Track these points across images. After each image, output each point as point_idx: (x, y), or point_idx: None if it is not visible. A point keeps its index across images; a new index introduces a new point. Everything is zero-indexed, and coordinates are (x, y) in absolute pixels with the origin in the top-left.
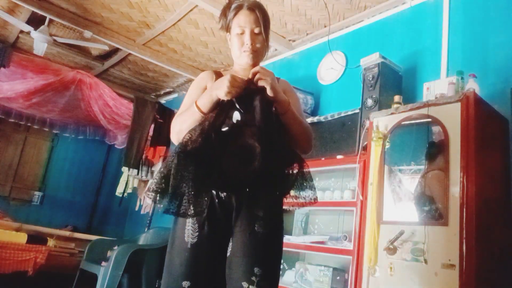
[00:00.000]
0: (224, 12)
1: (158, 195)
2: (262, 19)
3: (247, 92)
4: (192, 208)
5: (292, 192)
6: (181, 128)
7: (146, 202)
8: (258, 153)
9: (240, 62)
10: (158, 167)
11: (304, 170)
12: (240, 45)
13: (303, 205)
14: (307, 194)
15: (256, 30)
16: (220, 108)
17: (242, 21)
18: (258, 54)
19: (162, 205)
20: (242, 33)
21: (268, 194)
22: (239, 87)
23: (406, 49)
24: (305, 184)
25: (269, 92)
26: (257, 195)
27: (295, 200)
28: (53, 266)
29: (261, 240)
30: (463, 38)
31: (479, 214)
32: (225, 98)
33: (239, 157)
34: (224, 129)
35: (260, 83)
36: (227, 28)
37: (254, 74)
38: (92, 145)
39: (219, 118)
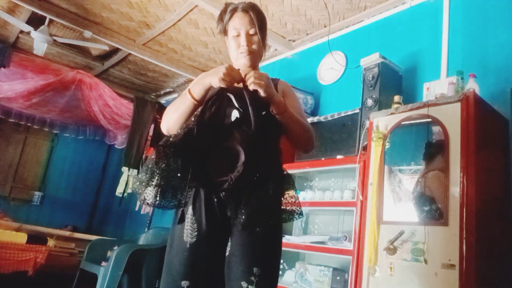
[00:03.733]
0: (221, 16)
1: (139, 186)
2: (257, 20)
3: (245, 90)
4: (168, 200)
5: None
6: (172, 116)
7: (150, 196)
8: (242, 163)
9: (238, 64)
10: None
11: (289, 194)
12: (237, 47)
13: (285, 220)
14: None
15: (251, 31)
16: (211, 102)
17: (237, 23)
18: (254, 55)
19: (140, 195)
20: (238, 35)
21: (247, 205)
22: (234, 77)
23: (406, 49)
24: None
25: (263, 94)
26: (237, 202)
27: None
28: (53, 266)
29: (260, 240)
30: (463, 38)
31: (479, 214)
32: (219, 85)
33: (222, 160)
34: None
35: (253, 87)
36: (224, 32)
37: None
38: (92, 145)
39: (205, 113)
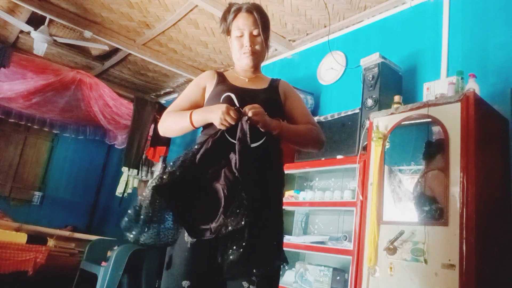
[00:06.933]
0: (224, 16)
1: (129, 222)
2: (261, 21)
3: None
4: (154, 239)
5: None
6: (169, 126)
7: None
8: (221, 213)
9: (240, 64)
10: (158, 167)
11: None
12: (240, 47)
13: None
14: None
15: (255, 32)
16: (210, 144)
17: (241, 24)
18: (257, 55)
19: (130, 233)
20: (241, 36)
21: (228, 252)
22: (231, 122)
23: (406, 49)
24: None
25: (261, 128)
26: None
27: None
28: (53, 266)
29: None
30: (463, 38)
31: (479, 214)
32: (219, 127)
33: (207, 204)
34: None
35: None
36: (227, 31)
37: (245, 113)
38: (92, 145)
39: (200, 149)
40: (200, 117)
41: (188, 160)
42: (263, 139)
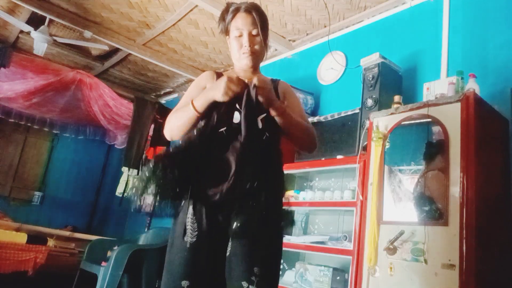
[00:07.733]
0: (223, 16)
1: (135, 193)
2: (259, 20)
3: (245, 95)
4: (162, 208)
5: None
6: (174, 124)
7: (146, 203)
8: (232, 174)
9: (239, 64)
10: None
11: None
12: (239, 47)
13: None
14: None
15: (254, 32)
16: (215, 112)
17: (240, 24)
18: (257, 55)
19: (137, 203)
20: (240, 36)
21: (238, 214)
22: (235, 89)
23: (406, 49)
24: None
25: (263, 101)
26: (229, 210)
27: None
28: (53, 266)
29: (261, 240)
30: (463, 38)
31: (479, 214)
32: (222, 100)
33: (216, 172)
34: (221, 130)
35: (259, 97)
36: (226, 32)
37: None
38: (92, 145)
39: (208, 125)
40: (202, 99)
41: (194, 136)
42: (264, 137)
